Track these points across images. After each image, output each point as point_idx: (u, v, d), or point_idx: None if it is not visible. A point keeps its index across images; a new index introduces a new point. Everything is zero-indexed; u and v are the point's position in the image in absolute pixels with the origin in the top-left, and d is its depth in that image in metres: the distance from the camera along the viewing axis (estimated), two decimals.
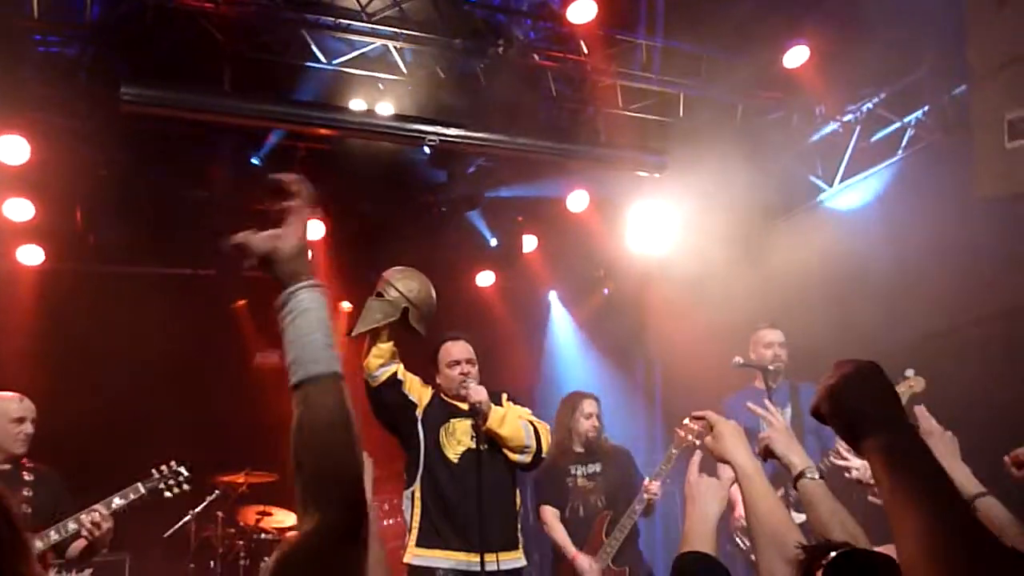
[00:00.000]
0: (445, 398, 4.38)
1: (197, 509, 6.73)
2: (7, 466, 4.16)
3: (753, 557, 5.04)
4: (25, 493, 4.09)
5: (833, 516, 1.95)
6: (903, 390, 4.84)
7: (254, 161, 6.46)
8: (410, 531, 4.25)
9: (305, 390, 1.26)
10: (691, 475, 2.20)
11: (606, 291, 8.55)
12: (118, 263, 6.98)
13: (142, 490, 4.26)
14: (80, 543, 4.06)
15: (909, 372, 4.52)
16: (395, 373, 4.21)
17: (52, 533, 3.95)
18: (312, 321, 1.29)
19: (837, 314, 5.70)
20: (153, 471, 4.39)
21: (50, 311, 6.48)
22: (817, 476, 2.08)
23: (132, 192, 6.26)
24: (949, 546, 0.96)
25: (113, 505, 4.10)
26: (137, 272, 7.22)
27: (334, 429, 1.24)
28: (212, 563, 6.69)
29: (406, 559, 4.18)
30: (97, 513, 3.99)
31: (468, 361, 4.36)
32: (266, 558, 6.62)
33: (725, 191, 6.51)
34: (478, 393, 4.12)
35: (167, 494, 4.42)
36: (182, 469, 4.46)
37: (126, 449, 4.72)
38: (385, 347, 4.18)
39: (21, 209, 6.03)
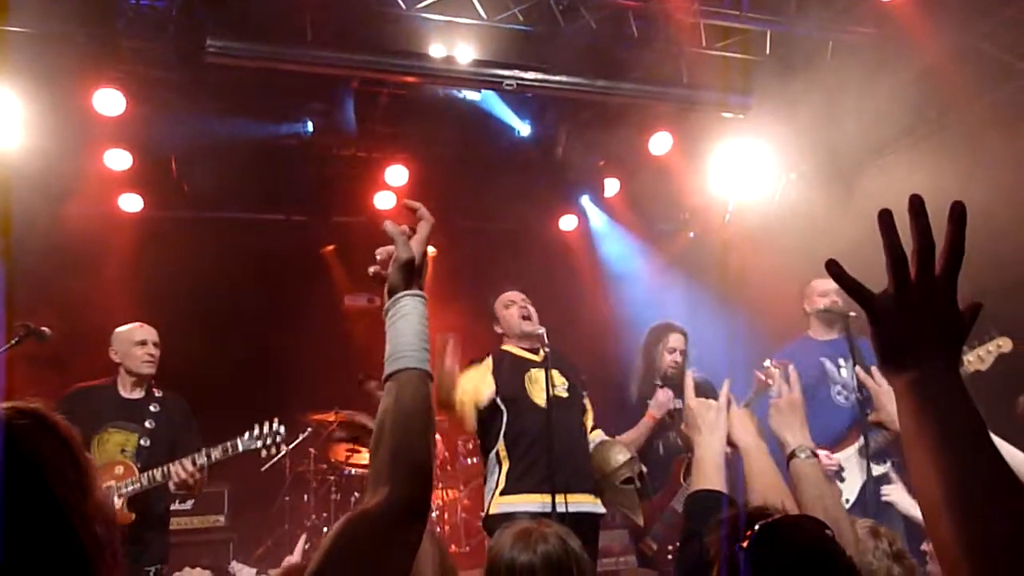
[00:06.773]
0: (512, 351, 4.39)
1: (291, 446, 7.03)
2: (138, 394, 4.46)
3: None
4: (147, 425, 4.37)
5: (817, 500, 1.86)
6: (991, 350, 4.64)
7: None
8: (495, 489, 4.16)
9: (395, 379, 1.42)
10: (689, 399, 2.09)
11: (691, 235, 8.43)
12: (211, 209, 7.22)
13: (240, 447, 4.31)
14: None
15: (995, 333, 4.36)
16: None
17: (157, 474, 4.19)
18: (411, 324, 1.46)
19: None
20: (255, 427, 4.36)
21: (148, 256, 6.74)
22: (809, 455, 1.99)
23: (223, 141, 6.42)
24: (968, 490, 0.92)
25: (214, 456, 4.25)
26: (230, 218, 7.46)
27: (415, 416, 1.39)
28: (306, 496, 7.01)
29: (492, 511, 4.11)
30: (190, 465, 4.16)
31: (524, 300, 4.38)
32: (356, 493, 6.89)
33: (814, 131, 6.29)
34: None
35: (263, 453, 4.41)
36: (281, 428, 4.38)
37: (221, 390, 4.95)
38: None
39: (120, 159, 6.29)
